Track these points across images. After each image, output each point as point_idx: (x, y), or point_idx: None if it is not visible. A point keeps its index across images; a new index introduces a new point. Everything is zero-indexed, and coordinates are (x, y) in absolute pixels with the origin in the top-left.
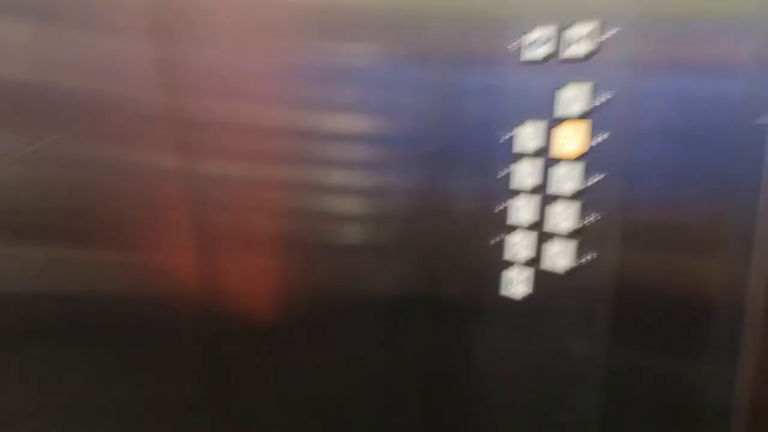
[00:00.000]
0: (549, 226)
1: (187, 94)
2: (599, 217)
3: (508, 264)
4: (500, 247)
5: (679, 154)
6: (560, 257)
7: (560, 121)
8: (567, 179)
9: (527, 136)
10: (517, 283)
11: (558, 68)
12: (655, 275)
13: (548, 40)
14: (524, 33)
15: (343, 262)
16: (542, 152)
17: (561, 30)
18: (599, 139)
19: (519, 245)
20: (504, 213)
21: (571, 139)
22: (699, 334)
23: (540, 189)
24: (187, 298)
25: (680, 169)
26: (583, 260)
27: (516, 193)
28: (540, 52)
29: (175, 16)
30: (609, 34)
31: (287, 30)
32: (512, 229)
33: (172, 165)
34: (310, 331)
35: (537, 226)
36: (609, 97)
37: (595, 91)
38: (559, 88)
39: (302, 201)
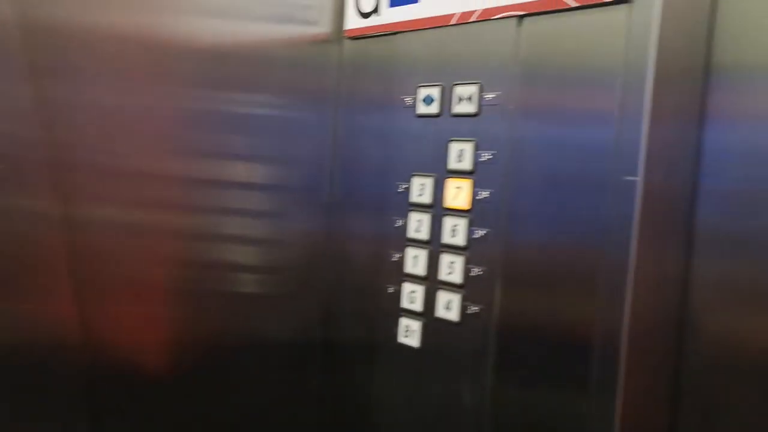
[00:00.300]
0: (441, 276)
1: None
2: (484, 270)
3: (405, 312)
4: (397, 295)
5: (555, 208)
6: (451, 307)
7: (450, 175)
8: (455, 232)
9: (421, 187)
10: (412, 331)
11: (448, 124)
12: (537, 322)
13: (439, 96)
14: (418, 87)
15: (237, 312)
16: (434, 204)
17: (449, 88)
18: (483, 194)
19: (414, 294)
20: (401, 262)
21: (459, 194)
22: (578, 375)
23: (432, 240)
24: (66, 350)
25: (557, 222)
26: (471, 310)
27: (412, 242)
28: (432, 107)
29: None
30: (491, 95)
31: (179, 74)
32: (408, 278)
33: (50, 209)
34: (202, 382)
35: (430, 276)
36: (491, 155)
37: (480, 148)
38: (448, 143)
39: (194, 250)
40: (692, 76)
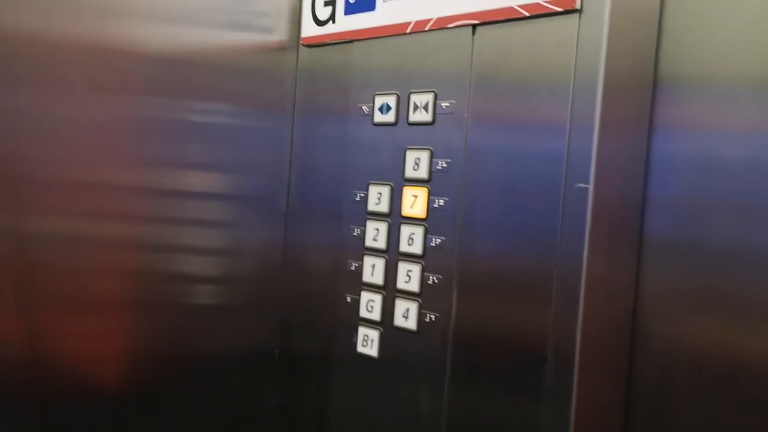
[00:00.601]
0: (398, 285)
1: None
2: (441, 278)
3: (363, 321)
4: (355, 305)
5: (509, 216)
6: (408, 316)
7: (407, 183)
8: (412, 240)
9: (378, 196)
10: (370, 341)
11: (403, 133)
12: (493, 330)
13: (395, 105)
14: (374, 95)
15: (193, 324)
16: (391, 213)
17: (404, 97)
18: (440, 203)
19: (372, 303)
20: (359, 271)
21: (416, 202)
22: (533, 382)
23: (390, 249)
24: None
25: (511, 230)
26: (429, 318)
27: (369, 251)
28: (388, 116)
29: (2, 63)
30: (446, 104)
31: (131, 82)
32: (366, 287)
33: None
34: (157, 397)
35: (387, 285)
36: (447, 163)
37: (435, 157)
38: (405, 151)
39: (147, 261)
40: (641, 87)
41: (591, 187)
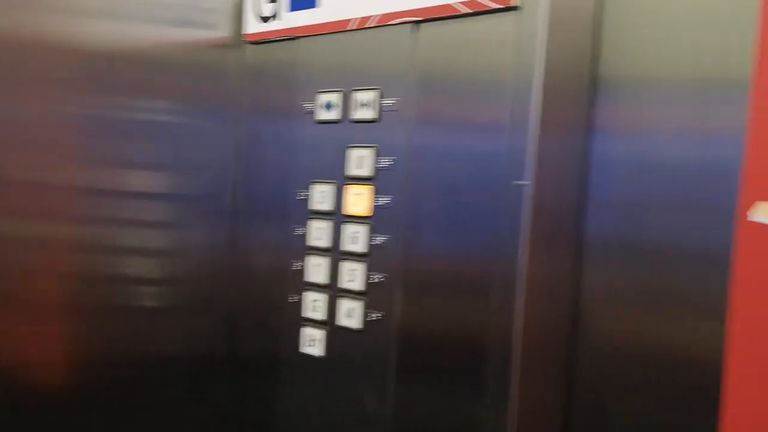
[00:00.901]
0: (342, 284)
1: None
2: (385, 276)
3: (307, 321)
4: (299, 305)
5: (451, 215)
6: (352, 315)
7: (350, 181)
8: (355, 239)
9: (320, 194)
10: (315, 341)
11: (347, 131)
12: (436, 328)
13: (339, 102)
14: (318, 93)
15: (137, 327)
16: (335, 212)
17: (348, 94)
18: (383, 200)
19: (316, 303)
20: (303, 271)
21: (359, 200)
22: (475, 379)
23: (333, 248)
24: None
25: (453, 229)
26: (373, 317)
27: (313, 250)
28: (332, 113)
29: None
30: (390, 101)
31: (71, 79)
32: (310, 286)
33: None
34: (101, 400)
35: (331, 284)
36: (391, 161)
37: (380, 155)
38: (348, 149)
39: (89, 263)
40: (580, 87)
41: (529, 185)
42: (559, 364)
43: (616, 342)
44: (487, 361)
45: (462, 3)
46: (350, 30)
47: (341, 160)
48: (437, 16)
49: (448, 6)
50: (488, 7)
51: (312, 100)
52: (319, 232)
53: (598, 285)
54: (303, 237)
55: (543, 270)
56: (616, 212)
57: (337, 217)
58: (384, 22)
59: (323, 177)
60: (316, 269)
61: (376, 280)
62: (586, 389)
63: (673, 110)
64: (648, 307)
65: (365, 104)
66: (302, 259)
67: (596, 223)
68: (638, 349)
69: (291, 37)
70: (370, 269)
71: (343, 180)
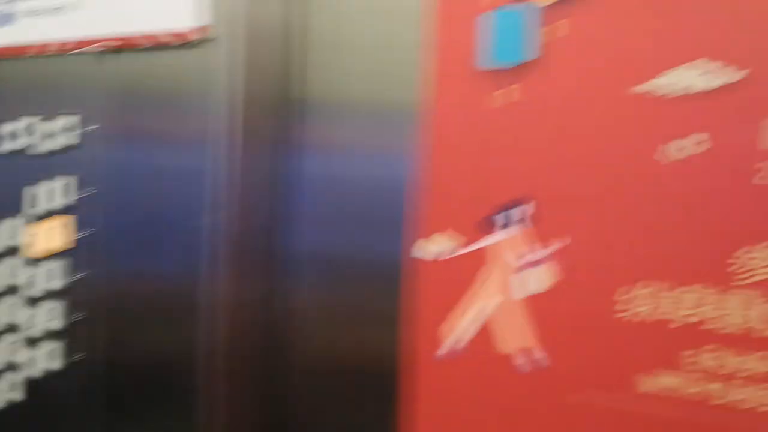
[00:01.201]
0: (40, 325)
1: None
2: (87, 313)
3: (8, 367)
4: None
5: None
6: (54, 356)
7: (42, 216)
8: (51, 277)
9: (11, 230)
10: (16, 385)
11: (38, 161)
12: (144, 361)
13: (28, 132)
14: (3, 122)
15: None
16: (21, 250)
17: (40, 123)
18: (81, 233)
19: (14, 346)
20: None
21: (54, 236)
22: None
23: (26, 287)
24: None
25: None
26: (76, 357)
27: (6, 291)
28: (18, 143)
29: None
30: (90, 128)
31: None
32: (7, 330)
33: None
34: None
35: (26, 326)
36: (89, 192)
37: (76, 185)
38: (39, 182)
39: None
40: (278, 109)
41: (224, 207)
42: (265, 377)
43: (314, 353)
44: (194, 382)
45: (144, 37)
46: (41, 55)
47: (31, 193)
48: (123, 48)
49: (133, 38)
50: (169, 42)
51: None
52: (9, 272)
53: (296, 300)
54: None
55: (239, 288)
56: (314, 228)
57: (27, 255)
58: (75, 48)
59: (10, 212)
60: (11, 310)
61: (78, 318)
62: (291, 401)
63: (365, 130)
64: (350, 320)
65: (59, 133)
66: None
67: (295, 238)
68: (342, 361)
69: None
70: (71, 307)
71: (34, 214)
